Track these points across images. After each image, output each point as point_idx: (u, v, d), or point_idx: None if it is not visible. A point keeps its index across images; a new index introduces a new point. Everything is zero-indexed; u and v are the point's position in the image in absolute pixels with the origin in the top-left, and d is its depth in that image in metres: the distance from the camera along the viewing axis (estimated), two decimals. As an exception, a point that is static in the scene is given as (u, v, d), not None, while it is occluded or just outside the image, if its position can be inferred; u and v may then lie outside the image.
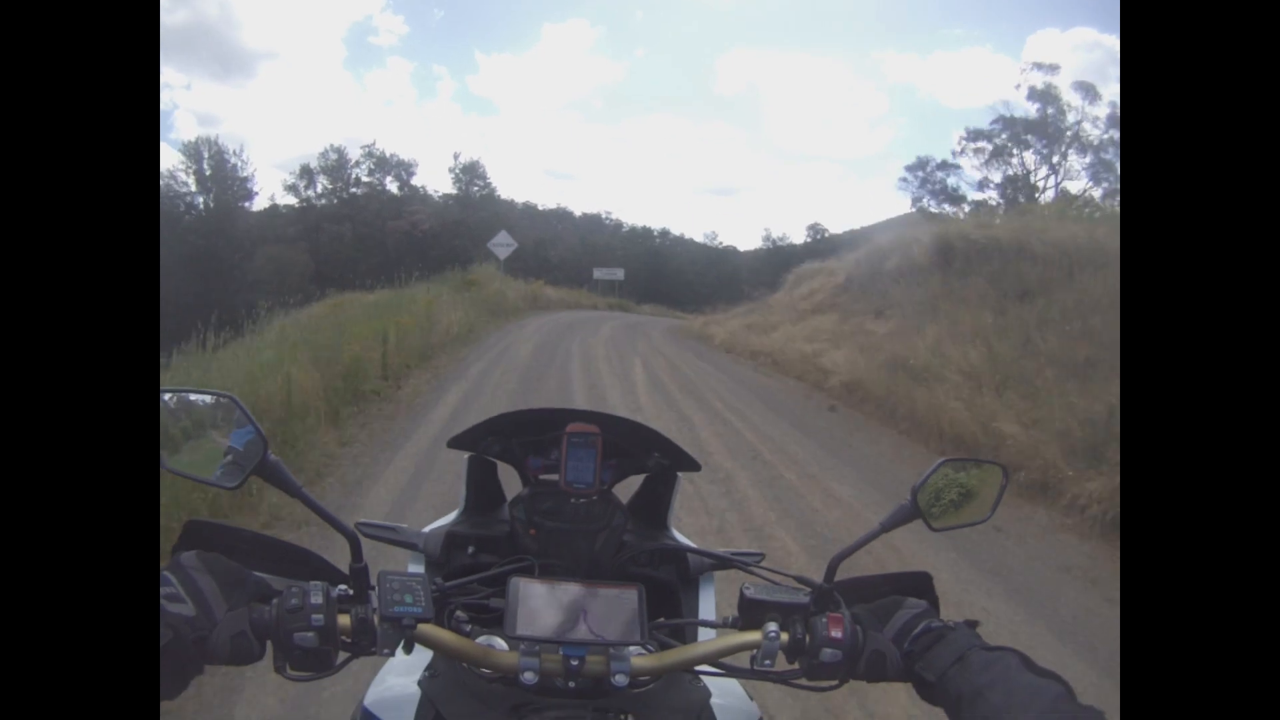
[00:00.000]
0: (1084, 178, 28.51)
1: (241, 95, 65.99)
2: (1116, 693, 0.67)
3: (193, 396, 0.81)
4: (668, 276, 40.58)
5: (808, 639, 0.80)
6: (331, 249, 35.39)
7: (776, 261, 39.44)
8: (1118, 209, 12.48)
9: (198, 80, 61.85)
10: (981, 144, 30.31)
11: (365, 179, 38.81)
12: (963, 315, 9.38)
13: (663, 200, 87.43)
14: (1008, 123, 30.00)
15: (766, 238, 45.53)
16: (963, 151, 31.19)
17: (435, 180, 43.02)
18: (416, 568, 1.04)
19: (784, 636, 0.80)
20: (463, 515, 1.13)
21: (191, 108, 67.04)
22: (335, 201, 38.07)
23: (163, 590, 0.67)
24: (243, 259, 34.02)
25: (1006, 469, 0.95)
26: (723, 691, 0.93)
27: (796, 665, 0.82)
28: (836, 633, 0.79)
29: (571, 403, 7.33)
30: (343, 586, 0.75)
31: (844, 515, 4.64)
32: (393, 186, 39.31)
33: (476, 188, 40.03)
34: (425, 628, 0.75)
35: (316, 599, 0.71)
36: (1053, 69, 29.21)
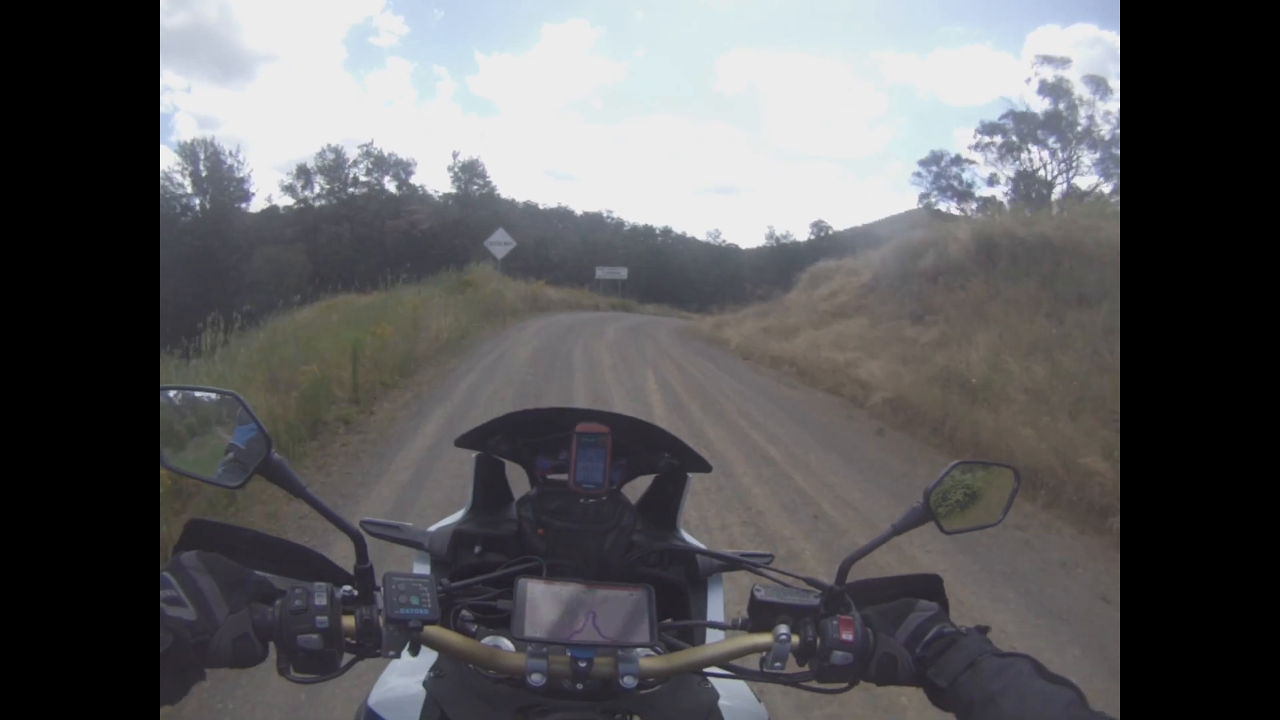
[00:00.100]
0: (1093, 173, 27.22)
1: (241, 98, 64.66)
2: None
3: (197, 394, 0.78)
4: (670, 275, 39.08)
5: (818, 641, 0.78)
6: (330, 250, 34.06)
7: (781, 259, 38.43)
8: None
9: (197, 83, 60.59)
10: (996, 138, 28.86)
11: (363, 179, 37.58)
12: (1016, 323, 8.14)
13: (664, 199, 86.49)
14: (1019, 118, 28.60)
15: (770, 235, 43.75)
16: (977, 146, 29.74)
17: (436, 181, 41.56)
18: (422, 567, 1.02)
19: (795, 639, 0.78)
20: (469, 514, 1.10)
21: (191, 110, 65.20)
22: (334, 202, 36.84)
23: (163, 593, 0.64)
24: (240, 260, 32.90)
25: (1018, 472, 0.92)
26: (730, 694, 0.90)
27: (806, 667, 0.79)
28: (848, 635, 0.76)
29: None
30: (347, 587, 0.72)
31: (1009, 632, 3.22)
32: (391, 186, 37.97)
33: (476, 186, 38.44)
34: (431, 629, 0.73)
35: (321, 600, 0.69)
36: (1064, 63, 27.87)
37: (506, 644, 0.81)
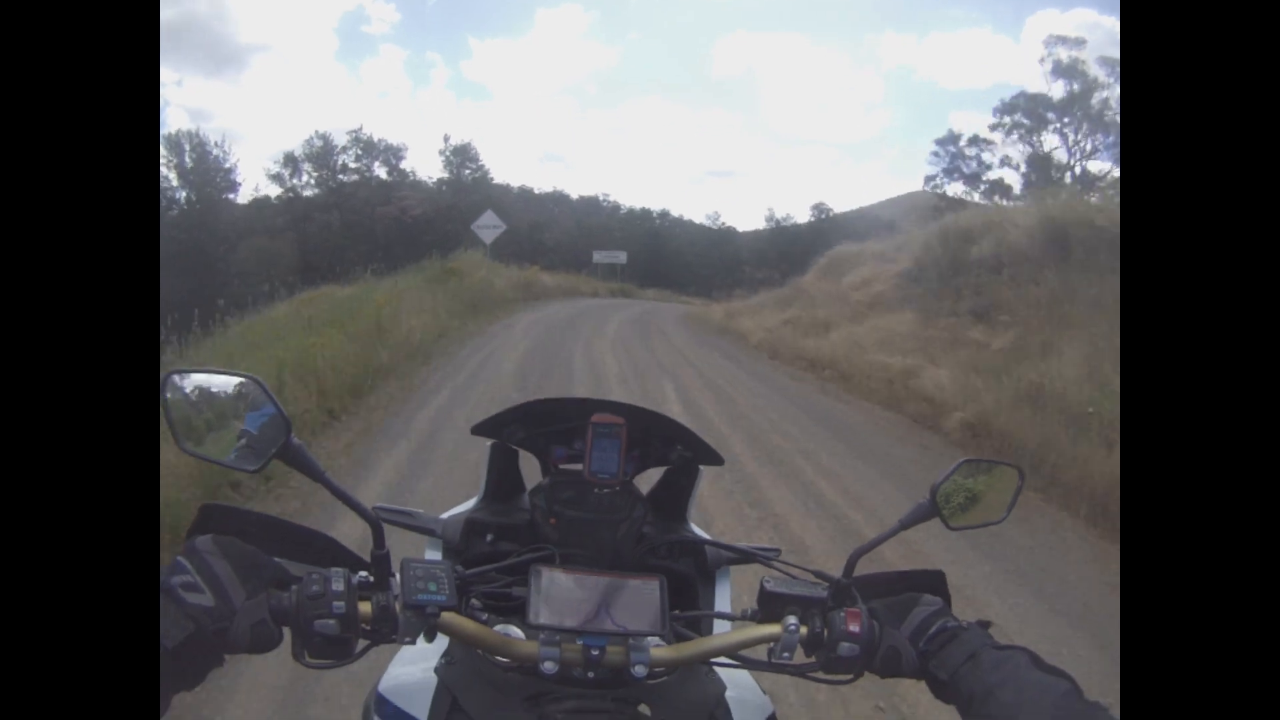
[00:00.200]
0: (1104, 158, 25.41)
1: (234, 90, 62.24)
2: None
3: (214, 377, 0.75)
4: (667, 259, 36.86)
5: (826, 633, 0.77)
6: (321, 238, 31.86)
7: (781, 242, 36.49)
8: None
9: (189, 76, 58.26)
10: (1015, 117, 26.75)
11: (353, 166, 35.30)
12: (1109, 331, 6.16)
13: (661, 183, 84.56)
14: (1031, 100, 26.55)
15: (770, 218, 41.18)
16: (997, 126, 27.65)
17: (430, 167, 39.28)
18: (434, 553, 0.99)
19: (803, 630, 0.77)
20: (481, 502, 1.07)
21: (183, 104, 61.69)
22: (323, 190, 34.68)
23: (179, 579, 0.63)
24: (228, 252, 30.80)
25: (1022, 470, 0.90)
26: (736, 685, 0.87)
27: (813, 659, 0.78)
28: (854, 628, 0.76)
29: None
30: (363, 573, 0.71)
31: None
32: (381, 172, 35.68)
33: (469, 170, 36.07)
34: (447, 616, 0.71)
35: (338, 586, 0.67)
36: (1079, 43, 25.71)
37: (516, 631, 0.80)
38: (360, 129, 36.46)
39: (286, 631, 0.66)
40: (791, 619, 0.76)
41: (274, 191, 35.22)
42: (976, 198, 27.48)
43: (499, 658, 0.76)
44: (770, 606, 0.80)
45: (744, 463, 4.89)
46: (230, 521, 0.73)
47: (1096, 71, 25.15)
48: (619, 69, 78.85)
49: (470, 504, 1.06)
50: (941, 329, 8.44)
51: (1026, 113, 26.56)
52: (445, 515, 1.03)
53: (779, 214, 41.79)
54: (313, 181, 34.92)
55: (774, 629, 0.77)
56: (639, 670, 0.72)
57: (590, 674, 0.73)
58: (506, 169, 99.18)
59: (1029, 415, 5.52)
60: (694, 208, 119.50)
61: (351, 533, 1.12)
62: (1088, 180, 24.59)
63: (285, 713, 2.22)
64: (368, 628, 0.68)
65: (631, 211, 43.36)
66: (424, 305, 10.30)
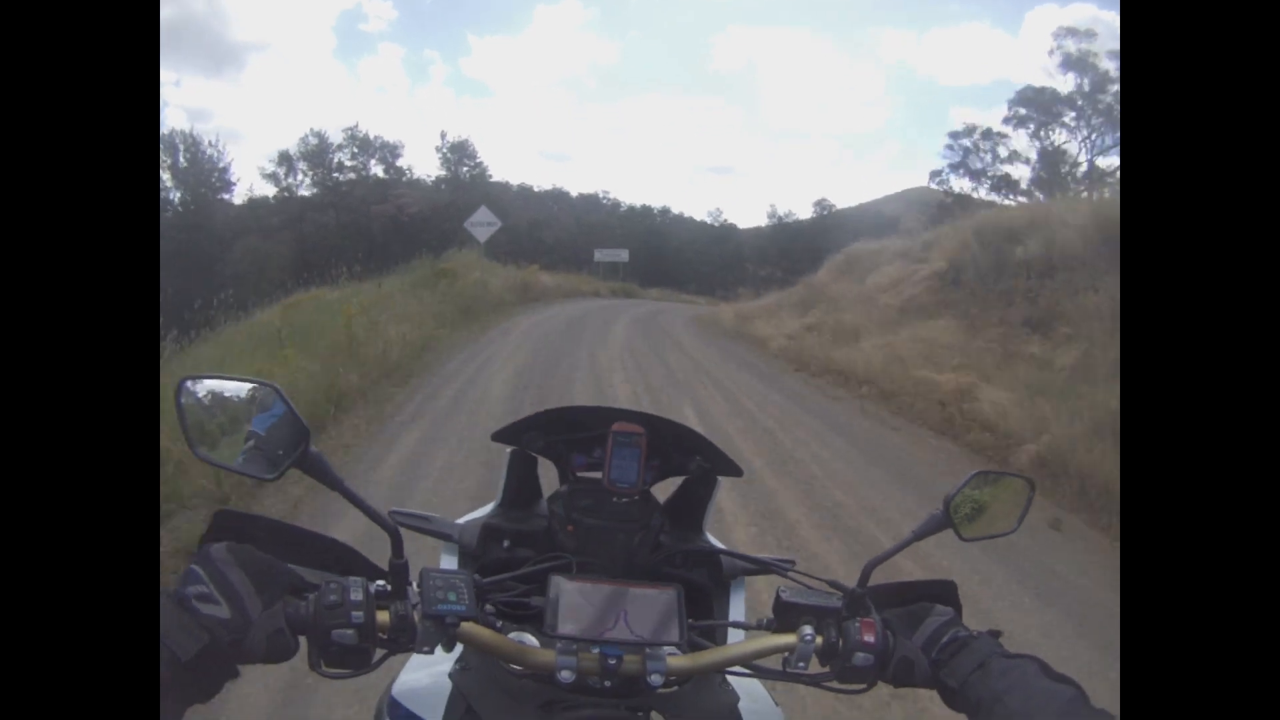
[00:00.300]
0: (1117, 153, 24.11)
1: (233, 90, 61.00)
2: None
3: (229, 384, 0.73)
4: (668, 256, 35.70)
5: (841, 643, 0.76)
6: (317, 238, 30.44)
7: (783, 238, 35.28)
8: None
9: (187, 76, 56.85)
10: (1029, 110, 25.41)
11: (349, 164, 33.96)
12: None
13: (661, 180, 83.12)
14: (1039, 93, 25.30)
15: (772, 214, 39.93)
16: (1011, 119, 26.27)
17: (428, 165, 37.90)
18: (450, 558, 0.98)
19: (819, 640, 0.76)
20: (499, 508, 1.04)
21: (182, 104, 60.56)
22: (319, 189, 33.40)
23: (194, 589, 0.61)
24: (223, 253, 29.73)
25: (1032, 481, 0.89)
26: (748, 695, 0.86)
27: (828, 668, 0.77)
28: (869, 637, 0.75)
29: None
30: (380, 582, 0.69)
31: None
32: (378, 170, 34.36)
33: (466, 168, 34.80)
34: (466, 625, 0.70)
35: (356, 595, 0.65)
36: (1089, 35, 24.40)
37: (531, 639, 0.80)
38: (356, 126, 35.28)
39: (302, 640, 0.64)
40: (807, 629, 0.76)
41: (269, 191, 34.12)
42: (983, 193, 26.43)
43: (515, 666, 0.75)
44: (786, 616, 0.78)
45: (808, 541, 3.77)
46: (244, 528, 0.71)
47: (1108, 65, 23.91)
48: (618, 65, 77.59)
49: (488, 509, 1.04)
50: (991, 340, 7.33)
51: (1036, 106, 25.32)
52: (462, 520, 1.01)
53: (780, 210, 40.45)
54: (308, 180, 33.75)
55: (790, 639, 0.76)
56: (655, 679, 0.71)
57: (606, 683, 0.72)
58: (506, 167, 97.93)
59: (1112, 452, 4.47)
60: (695, 204, 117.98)
61: (352, 532, 1.12)
62: (1098, 175, 23.49)
63: (285, 713, 2.14)
64: (385, 637, 0.67)
65: (632, 209, 42.18)
66: (409, 312, 9.14)
